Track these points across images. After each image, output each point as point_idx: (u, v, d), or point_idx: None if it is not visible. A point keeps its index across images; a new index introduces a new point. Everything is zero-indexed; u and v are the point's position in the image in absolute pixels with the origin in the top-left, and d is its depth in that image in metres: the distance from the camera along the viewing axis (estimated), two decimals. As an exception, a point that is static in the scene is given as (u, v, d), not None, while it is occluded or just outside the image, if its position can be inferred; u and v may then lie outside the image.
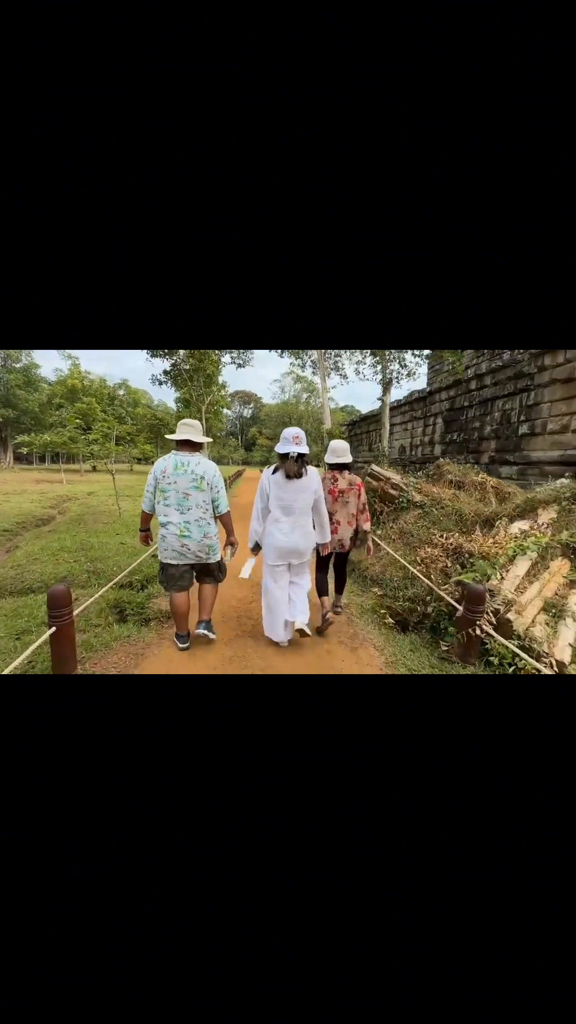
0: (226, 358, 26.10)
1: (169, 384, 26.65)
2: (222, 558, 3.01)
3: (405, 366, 13.29)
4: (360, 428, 28.81)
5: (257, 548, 3.03)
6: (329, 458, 3.42)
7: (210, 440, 3.17)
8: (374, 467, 5.83)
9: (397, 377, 13.56)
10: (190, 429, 2.77)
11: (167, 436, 3.10)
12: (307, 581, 3.18)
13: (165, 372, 26.50)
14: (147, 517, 3.00)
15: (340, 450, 3.43)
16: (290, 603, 3.09)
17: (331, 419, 24.38)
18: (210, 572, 3.01)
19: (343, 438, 24.02)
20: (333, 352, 24.84)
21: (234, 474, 29.20)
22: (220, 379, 27.19)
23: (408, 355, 15.04)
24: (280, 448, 2.77)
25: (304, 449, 2.74)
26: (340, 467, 3.44)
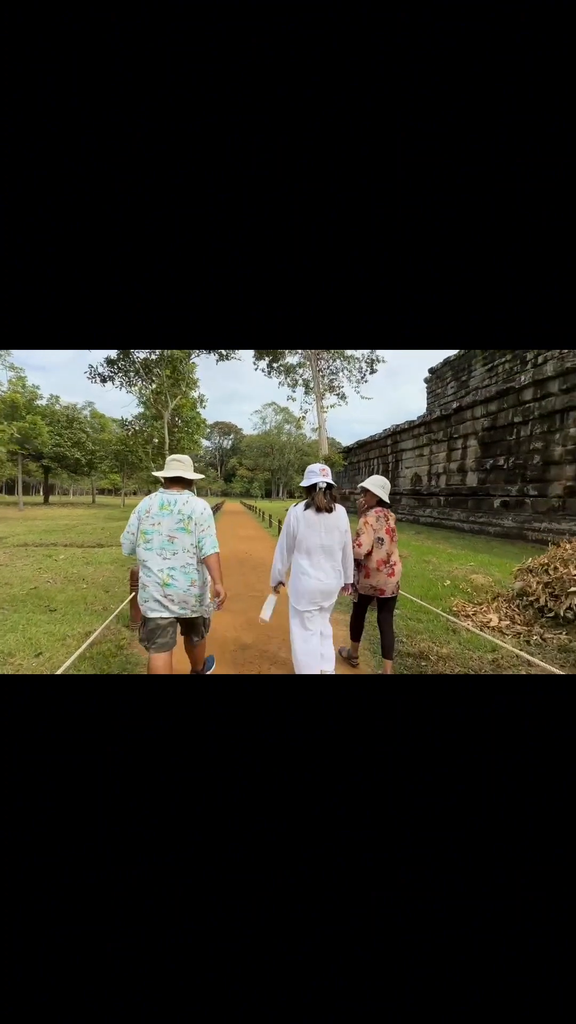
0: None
1: (119, 383, 19.97)
2: (208, 608, 2.91)
3: None
4: (359, 455, 25.73)
5: (278, 587, 3.04)
6: (383, 493, 3.37)
7: (202, 477, 3.03)
8: None
9: None
10: (180, 465, 2.79)
11: (155, 473, 3.09)
12: (329, 627, 3.08)
13: (110, 362, 19.81)
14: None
15: (388, 485, 3.44)
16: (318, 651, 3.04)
17: (327, 444, 21.18)
18: (195, 627, 2.91)
19: (343, 465, 20.71)
20: (328, 371, 22.14)
21: (213, 507, 25.15)
22: (193, 374, 20.65)
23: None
24: (306, 481, 2.83)
25: (331, 480, 2.79)
26: (387, 505, 3.44)
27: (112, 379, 19.63)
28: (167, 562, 2.61)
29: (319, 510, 2.74)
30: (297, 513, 2.81)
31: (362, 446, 25.28)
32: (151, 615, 2.67)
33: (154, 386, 18.46)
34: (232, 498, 72.43)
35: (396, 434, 19.89)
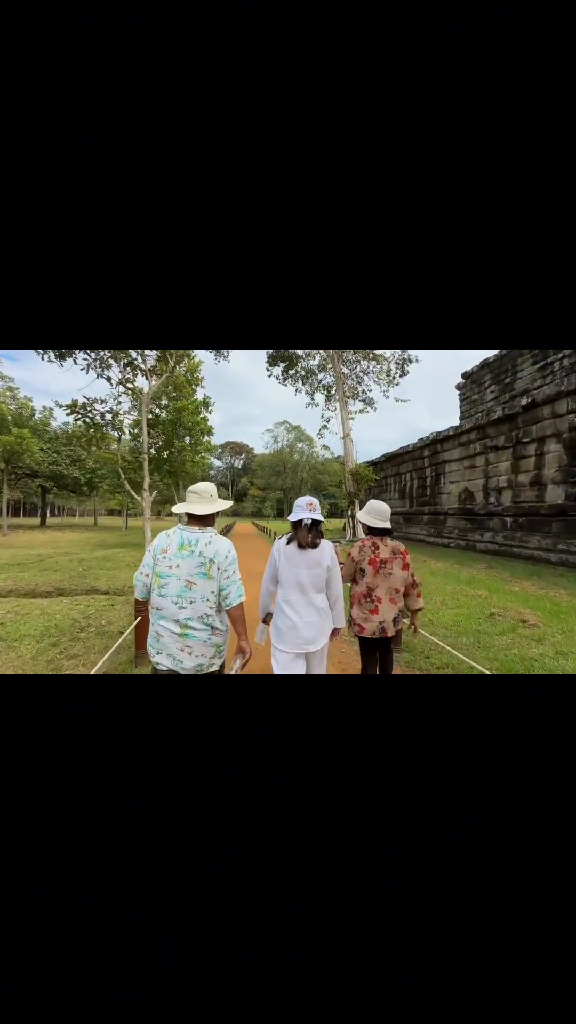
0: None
1: (83, 363, 16.00)
2: (225, 668, 2.86)
3: None
4: (387, 470, 25.68)
5: (268, 618, 3.27)
6: (370, 521, 3.53)
7: (230, 504, 3.00)
8: None
9: None
10: (198, 499, 2.74)
11: (173, 509, 3.05)
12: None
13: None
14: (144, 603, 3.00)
15: (383, 512, 3.57)
16: None
17: (353, 457, 21.34)
18: None
19: (374, 480, 20.81)
20: (353, 376, 22.41)
21: (223, 529, 25.28)
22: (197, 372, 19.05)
23: None
24: (293, 516, 3.08)
25: (319, 516, 3.06)
26: (381, 532, 3.53)
27: (73, 357, 15.75)
28: (183, 611, 2.56)
29: (301, 546, 2.95)
30: (280, 547, 3.04)
31: (390, 459, 25.04)
32: (161, 669, 2.60)
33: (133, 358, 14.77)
34: (243, 518, 73.32)
35: (435, 443, 19.33)
